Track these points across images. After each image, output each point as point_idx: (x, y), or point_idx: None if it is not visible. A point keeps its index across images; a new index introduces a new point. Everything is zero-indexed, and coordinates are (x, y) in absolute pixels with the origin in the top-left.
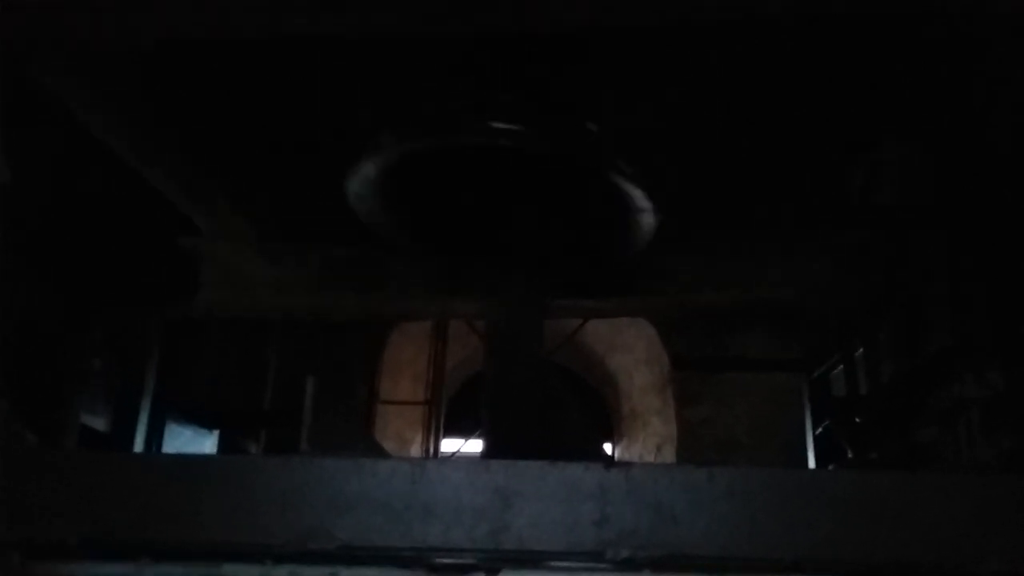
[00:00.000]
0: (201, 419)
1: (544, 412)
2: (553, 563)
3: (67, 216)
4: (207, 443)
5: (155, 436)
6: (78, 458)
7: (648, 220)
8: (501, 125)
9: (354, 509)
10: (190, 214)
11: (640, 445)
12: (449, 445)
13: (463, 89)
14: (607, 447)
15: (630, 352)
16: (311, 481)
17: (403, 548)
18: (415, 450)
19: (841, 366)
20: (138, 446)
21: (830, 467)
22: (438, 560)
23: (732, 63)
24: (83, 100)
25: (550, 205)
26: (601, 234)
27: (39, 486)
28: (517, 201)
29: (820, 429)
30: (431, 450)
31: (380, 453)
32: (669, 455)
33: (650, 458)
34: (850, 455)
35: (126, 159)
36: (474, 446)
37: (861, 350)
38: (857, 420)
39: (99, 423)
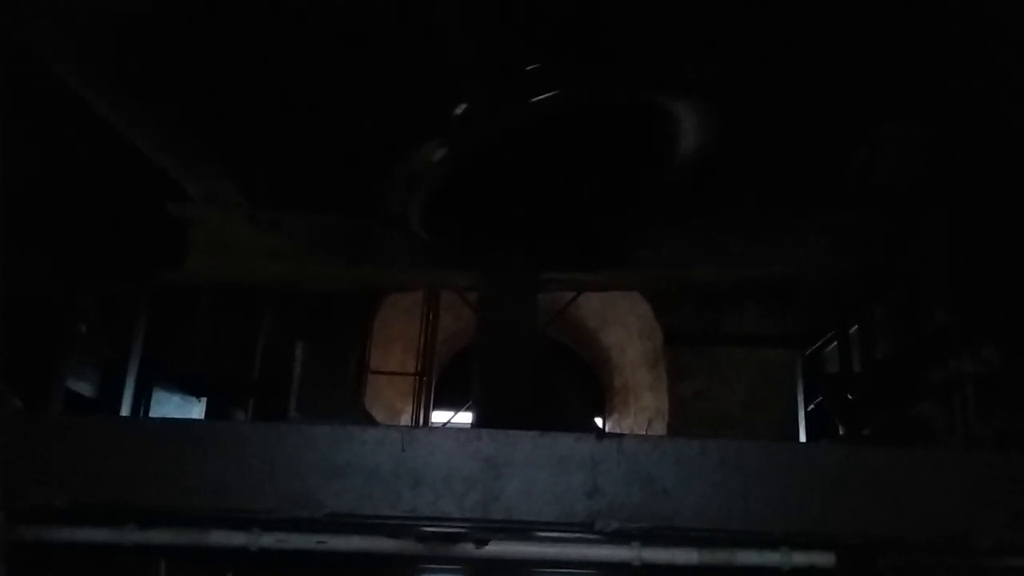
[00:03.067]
0: (189, 386)
1: (535, 384)
2: (543, 533)
3: (54, 182)
4: (195, 410)
5: (142, 402)
6: (64, 421)
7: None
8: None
9: (342, 477)
10: (180, 180)
11: (631, 419)
12: (439, 417)
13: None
14: (598, 421)
15: (623, 326)
16: (299, 448)
17: (391, 516)
18: (405, 421)
19: (835, 343)
20: (125, 412)
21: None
22: (426, 529)
23: (733, 40)
24: (75, 67)
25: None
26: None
27: (25, 450)
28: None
29: (812, 405)
30: (421, 421)
31: (370, 421)
32: (660, 429)
33: (641, 432)
34: (842, 431)
35: (115, 124)
36: (464, 418)
37: (855, 327)
38: (850, 397)
39: (85, 388)
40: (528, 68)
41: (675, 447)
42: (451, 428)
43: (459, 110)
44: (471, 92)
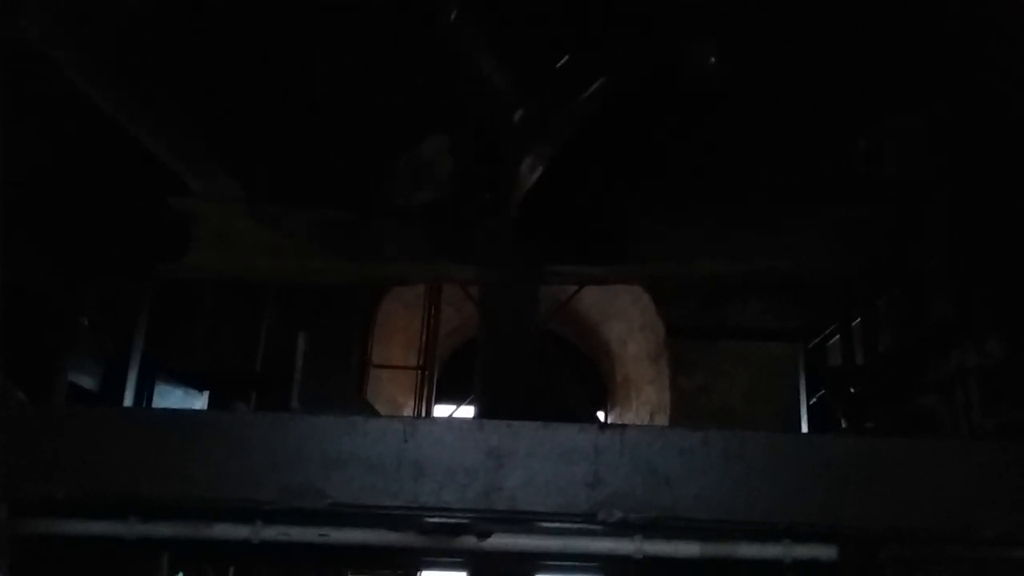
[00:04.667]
0: (192, 380)
1: (537, 378)
2: (545, 524)
3: (56, 176)
4: (197, 404)
5: (144, 396)
6: (66, 413)
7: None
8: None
9: (345, 467)
10: (181, 175)
11: (633, 413)
12: (441, 411)
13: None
14: (600, 415)
15: (625, 320)
16: (302, 438)
17: (394, 507)
18: (407, 415)
19: (837, 336)
20: (127, 405)
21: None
22: (429, 520)
23: (737, 34)
24: (76, 60)
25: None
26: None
27: (27, 442)
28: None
29: (815, 399)
30: (423, 415)
31: (372, 412)
32: (662, 423)
33: None
34: (844, 425)
35: (117, 119)
36: (466, 412)
37: (858, 320)
38: (852, 390)
39: (88, 382)
40: (558, 64)
41: (678, 438)
42: (454, 419)
43: (517, 116)
44: (513, 95)
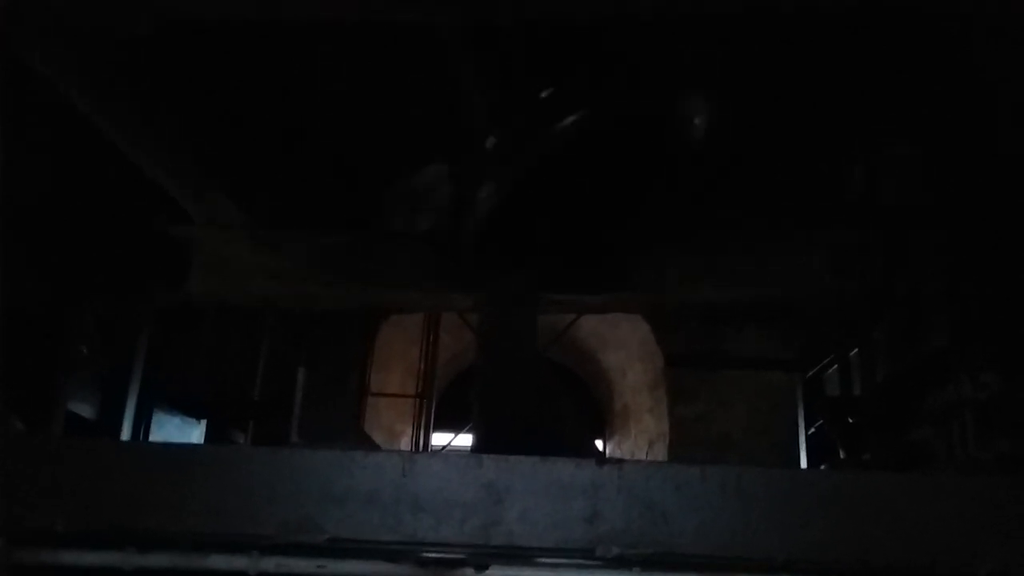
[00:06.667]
0: (189, 408)
1: (536, 407)
2: (543, 559)
3: (57, 202)
4: (195, 432)
5: (142, 424)
6: (65, 445)
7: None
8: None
9: (343, 502)
10: (180, 200)
11: (632, 442)
12: (439, 439)
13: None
14: (599, 444)
15: (623, 348)
16: (300, 473)
17: (392, 542)
18: (405, 443)
19: (835, 366)
20: (125, 433)
21: (823, 467)
22: (427, 555)
23: (735, 63)
24: (76, 85)
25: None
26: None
27: (26, 472)
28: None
29: (813, 429)
30: (421, 443)
31: (369, 445)
32: (661, 452)
33: (641, 455)
34: (843, 455)
35: (117, 144)
36: (464, 440)
37: (856, 351)
38: (850, 420)
39: (86, 410)
40: (543, 95)
41: (675, 472)
42: (452, 454)
43: (489, 144)
44: (490, 122)
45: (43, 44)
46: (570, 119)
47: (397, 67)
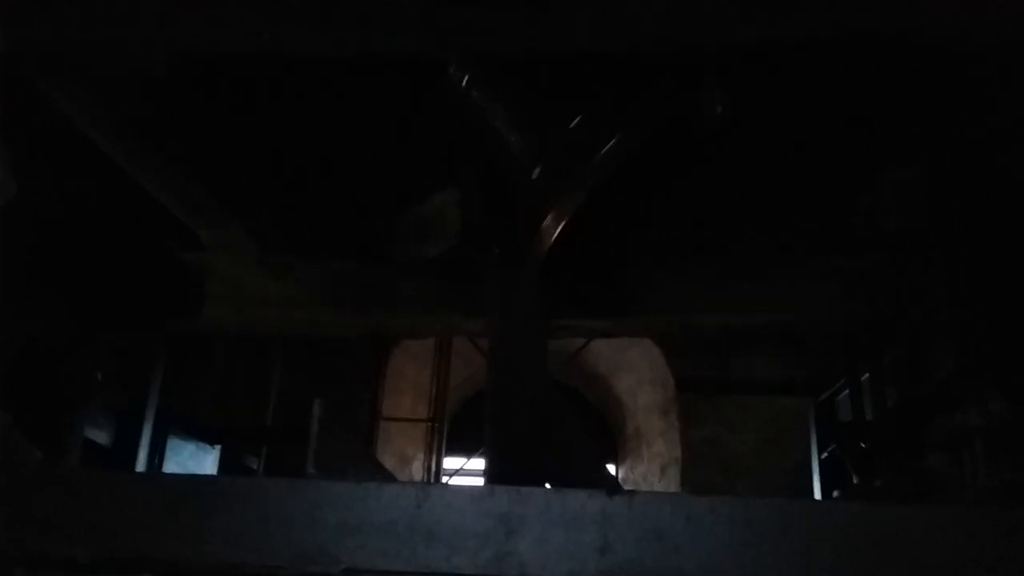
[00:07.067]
0: (203, 434)
1: (547, 432)
2: None
3: (71, 230)
4: (209, 458)
5: (157, 450)
6: (84, 476)
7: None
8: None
9: (358, 533)
10: (193, 227)
11: (644, 466)
12: (452, 463)
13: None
14: (611, 467)
15: (634, 372)
16: (316, 504)
17: (406, 572)
18: (417, 468)
19: (847, 390)
20: (141, 460)
21: (835, 493)
22: None
23: (741, 91)
24: (89, 114)
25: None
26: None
27: (44, 503)
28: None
29: (826, 453)
30: (433, 468)
31: (384, 475)
32: (674, 476)
33: (654, 479)
34: (855, 480)
35: (130, 172)
36: (477, 464)
37: (867, 375)
38: (863, 445)
39: (101, 436)
40: (571, 125)
41: (685, 503)
42: (465, 486)
43: (535, 174)
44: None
45: (60, 85)
46: (611, 143)
47: (408, 97)
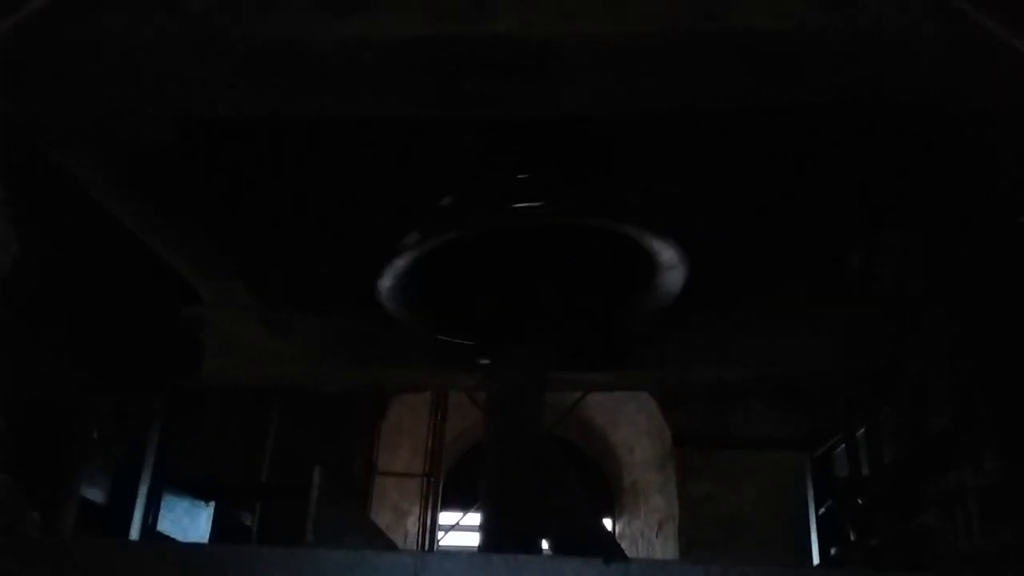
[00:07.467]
0: (198, 491)
1: (544, 487)
2: None
3: (73, 288)
4: (203, 515)
5: (152, 507)
6: (79, 545)
7: (676, 278)
8: (528, 204)
9: None
10: (192, 283)
11: (641, 521)
12: (448, 517)
13: (474, 170)
14: (607, 522)
15: (631, 426)
16: (313, 573)
17: None
18: (412, 522)
19: (843, 445)
20: (136, 518)
21: (832, 551)
22: None
23: (736, 150)
24: (93, 177)
25: (571, 281)
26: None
27: (40, 572)
28: (539, 279)
29: (823, 509)
30: (428, 523)
31: (382, 540)
32: (671, 532)
33: (652, 534)
34: (853, 537)
35: (133, 230)
36: (472, 519)
37: (863, 429)
38: (859, 501)
39: (97, 495)
40: (519, 176)
41: (680, 571)
42: (462, 553)
43: (445, 202)
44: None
45: (72, 148)
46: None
47: (410, 152)
